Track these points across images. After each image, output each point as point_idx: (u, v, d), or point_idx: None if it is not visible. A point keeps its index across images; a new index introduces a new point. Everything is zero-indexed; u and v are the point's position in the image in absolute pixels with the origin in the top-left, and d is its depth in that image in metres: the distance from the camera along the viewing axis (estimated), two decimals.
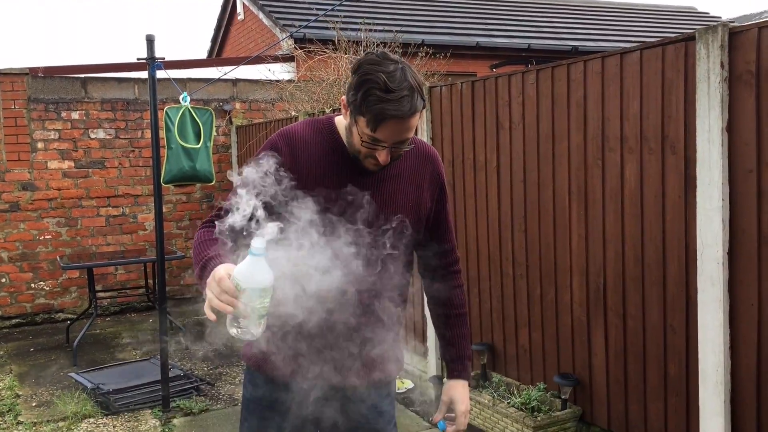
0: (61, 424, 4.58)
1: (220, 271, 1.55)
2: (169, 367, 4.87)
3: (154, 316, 6.99)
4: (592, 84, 3.42)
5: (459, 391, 2.06)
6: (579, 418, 3.64)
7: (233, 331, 1.57)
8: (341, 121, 1.85)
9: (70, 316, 7.38)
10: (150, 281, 6.94)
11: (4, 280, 7.44)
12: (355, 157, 1.80)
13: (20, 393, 5.24)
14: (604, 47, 10.78)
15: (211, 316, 1.56)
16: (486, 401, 3.84)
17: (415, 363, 5.01)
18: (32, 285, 7.57)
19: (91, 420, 4.65)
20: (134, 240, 7.91)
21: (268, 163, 1.70)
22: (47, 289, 7.62)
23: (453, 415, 2.07)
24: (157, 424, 4.58)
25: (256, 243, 1.50)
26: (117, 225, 7.88)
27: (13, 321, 7.45)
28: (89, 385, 5.03)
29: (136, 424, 4.59)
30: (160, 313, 4.92)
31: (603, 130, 3.37)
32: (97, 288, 6.59)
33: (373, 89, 1.65)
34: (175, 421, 4.62)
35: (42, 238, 7.56)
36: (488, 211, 4.20)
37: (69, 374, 5.46)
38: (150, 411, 4.78)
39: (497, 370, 4.20)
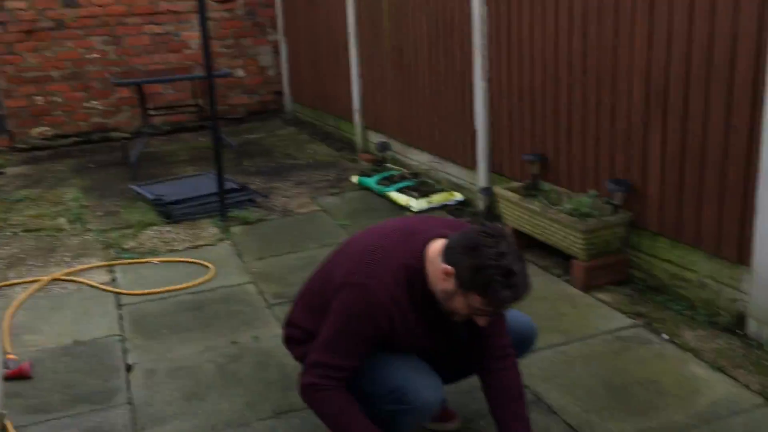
0: (127, 231, 4.84)
1: None
2: (225, 180, 5.01)
3: (204, 135, 7.10)
4: None
5: None
6: (629, 224, 3.67)
7: None
8: (433, 272, 1.95)
9: (124, 134, 7.53)
10: (200, 100, 6.98)
11: (58, 98, 7.57)
12: (444, 310, 1.98)
13: (86, 204, 5.50)
14: None
15: None
16: (536, 207, 3.88)
17: (463, 175, 5.05)
18: (85, 104, 7.69)
19: (155, 227, 4.90)
20: (180, 59, 7.86)
21: (370, 331, 1.96)
22: (100, 108, 7.74)
23: None
24: (217, 231, 4.80)
25: None
26: (162, 43, 7.80)
27: (71, 139, 7.67)
28: (150, 197, 5.24)
29: (197, 231, 4.81)
30: (212, 128, 4.99)
31: None
32: (148, 107, 6.66)
33: (496, 279, 1.80)
34: (233, 229, 4.83)
35: (90, 56, 7.56)
36: (545, 16, 4.00)
37: (130, 186, 5.67)
38: (209, 220, 4.99)
39: (548, 181, 4.20)
